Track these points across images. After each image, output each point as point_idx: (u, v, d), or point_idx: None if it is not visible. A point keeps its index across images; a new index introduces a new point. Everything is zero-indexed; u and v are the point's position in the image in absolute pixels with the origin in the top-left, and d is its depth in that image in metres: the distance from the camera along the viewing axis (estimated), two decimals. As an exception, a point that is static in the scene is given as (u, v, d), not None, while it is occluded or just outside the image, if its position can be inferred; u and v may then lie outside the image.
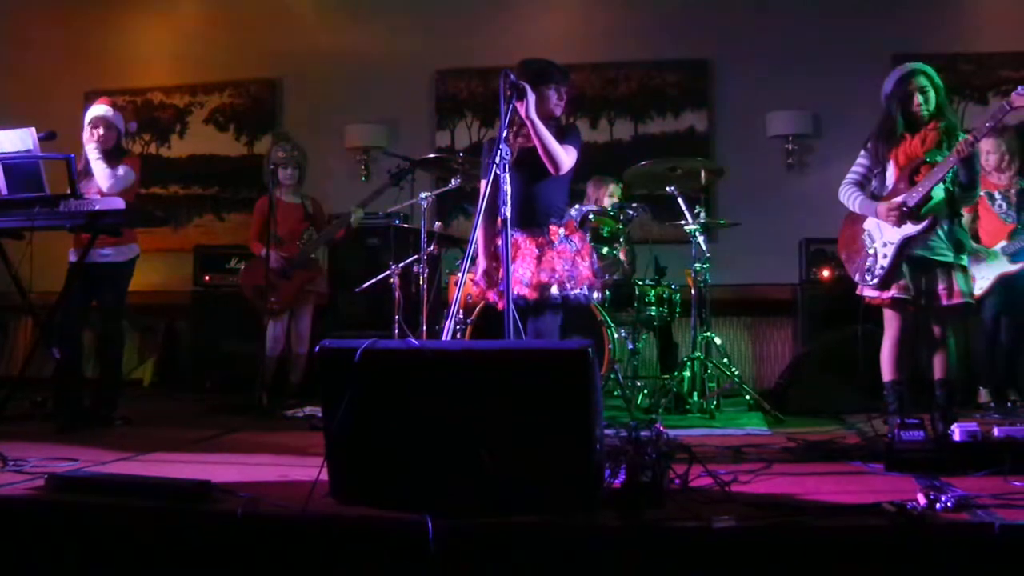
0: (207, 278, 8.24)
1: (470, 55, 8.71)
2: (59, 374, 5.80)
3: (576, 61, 8.15)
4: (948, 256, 4.68)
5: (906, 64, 4.84)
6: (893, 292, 4.71)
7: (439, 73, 8.88)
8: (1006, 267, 6.13)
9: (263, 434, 5.53)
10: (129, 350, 8.50)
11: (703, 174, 6.63)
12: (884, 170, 4.86)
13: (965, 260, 4.75)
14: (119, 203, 5.32)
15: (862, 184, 4.97)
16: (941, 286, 4.67)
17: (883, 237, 4.79)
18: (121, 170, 5.83)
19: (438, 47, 8.82)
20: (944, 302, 4.68)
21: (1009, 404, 6.24)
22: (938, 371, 4.83)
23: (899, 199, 4.69)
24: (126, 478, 3.61)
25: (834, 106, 8.11)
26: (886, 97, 4.86)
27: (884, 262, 4.75)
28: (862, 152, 4.99)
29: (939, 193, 4.66)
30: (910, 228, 4.68)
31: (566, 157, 4.65)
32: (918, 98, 4.72)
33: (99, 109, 5.97)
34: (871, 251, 4.83)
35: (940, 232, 4.68)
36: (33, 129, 5.29)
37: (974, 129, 4.63)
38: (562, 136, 4.69)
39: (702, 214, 6.52)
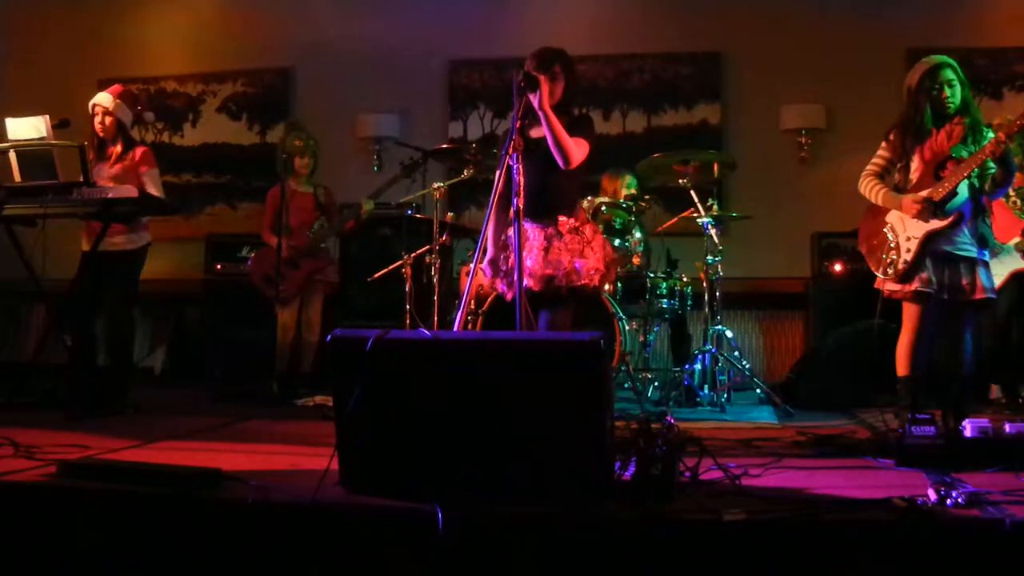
0: (219, 266, 8.25)
1: (483, 46, 8.70)
2: (71, 362, 5.82)
3: (589, 53, 8.15)
4: (972, 251, 4.65)
5: (931, 57, 4.79)
6: (916, 285, 4.66)
7: (452, 64, 8.87)
8: (1020, 264, 6.10)
9: (274, 423, 5.54)
10: (140, 338, 8.52)
11: (716, 167, 6.61)
12: (908, 164, 4.82)
13: (988, 255, 4.73)
14: (131, 191, 5.34)
15: (882, 176, 4.93)
16: (965, 281, 4.64)
17: (907, 231, 4.74)
18: (153, 177, 5.91)
19: (451, 38, 8.81)
20: (968, 297, 4.66)
21: (1021, 400, 6.22)
22: (954, 366, 4.80)
23: (925, 193, 4.67)
24: (137, 465, 3.62)
25: (848, 100, 8.08)
26: (911, 90, 4.82)
27: (907, 256, 4.70)
28: (883, 144, 4.94)
29: (964, 189, 4.63)
30: (935, 223, 4.64)
31: (576, 151, 4.63)
32: (946, 91, 4.68)
33: (98, 96, 5.98)
34: (893, 244, 4.78)
35: (965, 228, 4.66)
36: (47, 117, 5.31)
37: (1003, 126, 4.60)
38: (574, 128, 4.68)
39: (715, 207, 6.51)
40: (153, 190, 5.82)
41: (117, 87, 6.07)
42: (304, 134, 7.21)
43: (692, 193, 6.47)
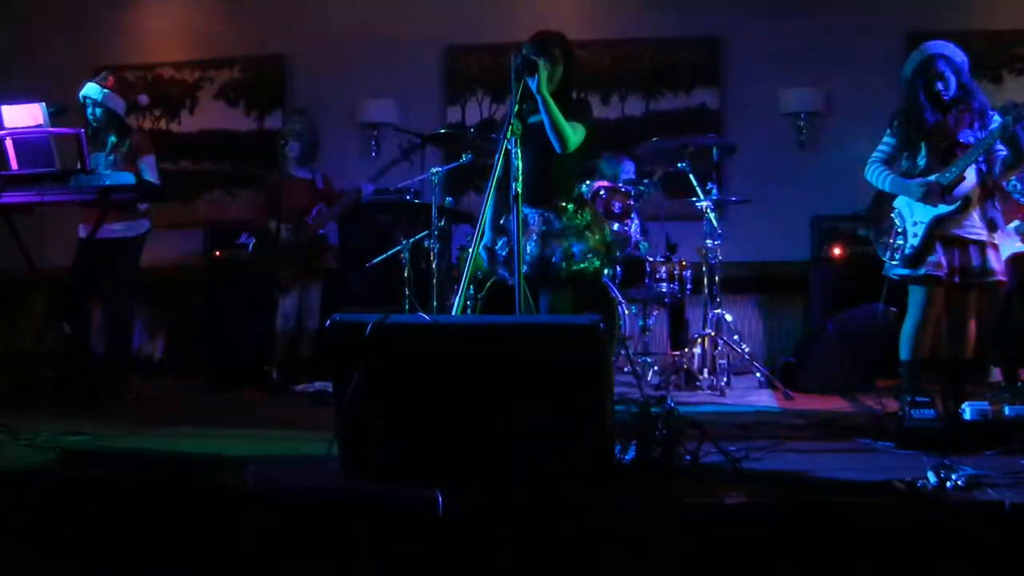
0: (217, 253, 8.22)
1: (481, 31, 8.65)
2: (70, 350, 5.81)
3: (588, 37, 8.11)
4: (982, 235, 4.65)
5: (925, 47, 4.78)
6: (926, 269, 4.66)
7: (449, 49, 8.84)
8: (1019, 247, 6.10)
9: (274, 409, 5.55)
10: (140, 326, 8.52)
11: (715, 151, 6.60)
12: (915, 152, 4.82)
13: (998, 239, 4.73)
14: (129, 177, 5.33)
15: (889, 163, 4.93)
16: (975, 263, 4.64)
17: (913, 216, 4.74)
18: (150, 163, 5.88)
19: (449, 23, 8.77)
20: (978, 279, 4.66)
21: (1020, 383, 6.22)
22: (958, 349, 4.80)
23: (932, 178, 4.66)
24: (137, 452, 3.62)
25: (847, 83, 8.06)
26: (906, 81, 4.82)
27: (914, 241, 4.70)
28: (888, 131, 4.94)
29: (972, 174, 4.63)
30: (942, 208, 4.64)
31: (573, 135, 4.61)
32: (938, 84, 4.68)
33: (86, 87, 5.93)
34: (900, 229, 4.79)
35: (974, 212, 4.66)
36: (43, 104, 5.29)
37: (1012, 109, 4.58)
38: (571, 112, 4.66)
39: (714, 191, 6.50)
40: (150, 176, 5.81)
41: (109, 76, 6.03)
42: (306, 119, 7.23)
43: (691, 177, 6.46)
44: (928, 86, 4.71)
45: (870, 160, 4.96)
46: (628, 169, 7.13)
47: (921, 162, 4.78)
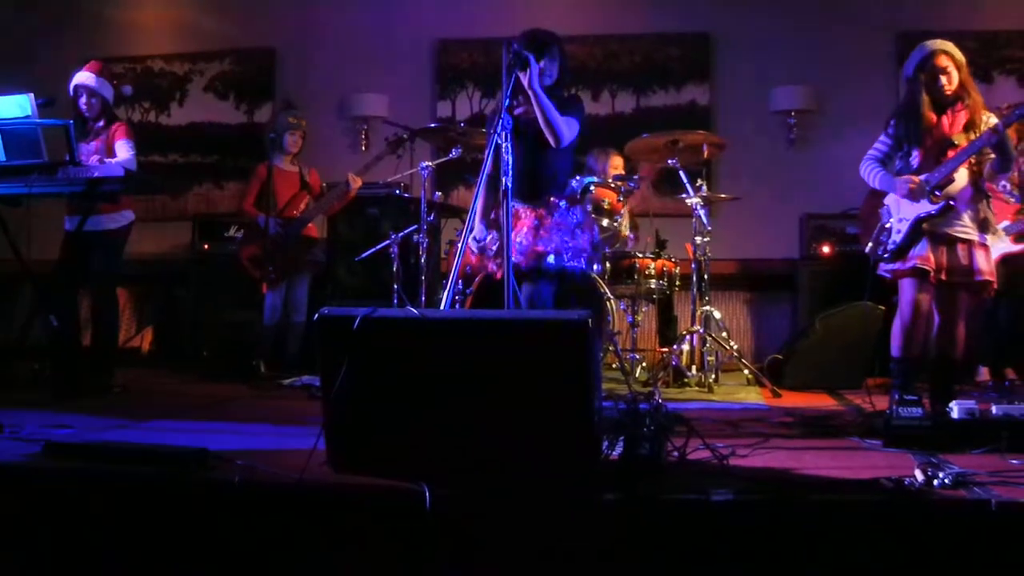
0: (206, 246, 8.21)
1: (471, 25, 8.66)
2: (56, 341, 5.79)
3: (578, 33, 8.12)
4: (972, 235, 4.64)
5: (927, 43, 4.77)
6: (914, 262, 4.66)
7: (440, 43, 8.83)
8: (1009, 247, 6.11)
9: (260, 402, 5.54)
10: (127, 318, 8.50)
11: (705, 148, 6.59)
12: (910, 151, 4.81)
13: (989, 240, 4.73)
14: (117, 170, 5.30)
15: (883, 162, 4.93)
16: (963, 263, 4.63)
17: (900, 213, 4.76)
18: (123, 147, 5.82)
19: (439, 17, 8.76)
20: (966, 279, 4.65)
21: (1007, 383, 6.24)
22: (947, 349, 4.80)
23: (921, 177, 4.67)
24: (123, 445, 3.60)
25: (837, 82, 8.07)
26: (908, 78, 4.82)
27: (897, 237, 4.73)
28: (884, 131, 4.94)
29: (962, 175, 4.63)
30: (926, 206, 4.65)
31: (567, 129, 4.63)
32: (942, 79, 4.67)
33: (80, 76, 5.91)
34: (887, 225, 4.82)
35: (965, 212, 4.65)
36: (32, 95, 5.26)
37: (1005, 114, 4.58)
38: (564, 108, 4.67)
39: (703, 188, 6.49)
40: (124, 153, 5.76)
41: (95, 64, 6.00)
42: (299, 112, 7.24)
43: (681, 174, 6.45)
44: (931, 82, 4.70)
45: (865, 157, 4.97)
46: (617, 165, 7.12)
47: (914, 162, 4.78)
